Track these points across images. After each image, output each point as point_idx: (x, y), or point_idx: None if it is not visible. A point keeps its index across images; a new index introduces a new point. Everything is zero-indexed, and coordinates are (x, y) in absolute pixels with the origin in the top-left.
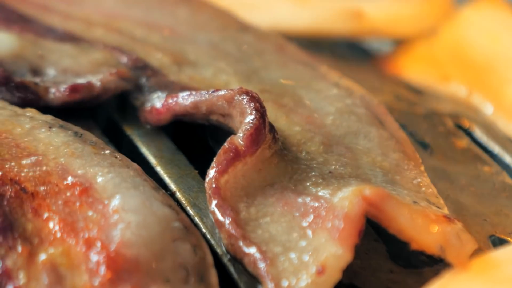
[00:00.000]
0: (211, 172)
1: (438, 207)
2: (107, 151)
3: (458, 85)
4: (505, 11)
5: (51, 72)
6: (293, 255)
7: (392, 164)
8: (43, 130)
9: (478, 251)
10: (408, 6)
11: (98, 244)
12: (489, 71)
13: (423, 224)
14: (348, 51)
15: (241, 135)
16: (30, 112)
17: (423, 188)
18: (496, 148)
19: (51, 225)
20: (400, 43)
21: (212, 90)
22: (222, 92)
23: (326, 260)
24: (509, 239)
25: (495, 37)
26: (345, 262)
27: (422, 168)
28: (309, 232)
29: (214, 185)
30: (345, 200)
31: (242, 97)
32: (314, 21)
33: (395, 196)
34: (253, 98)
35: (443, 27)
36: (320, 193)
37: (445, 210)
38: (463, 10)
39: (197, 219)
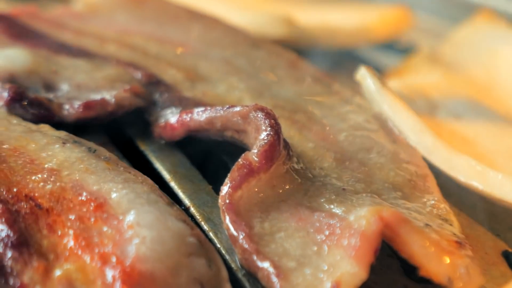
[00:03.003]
0: (225, 188)
1: (450, 225)
2: (121, 167)
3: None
4: (501, 25)
5: (64, 87)
6: (307, 271)
7: (405, 179)
8: (57, 146)
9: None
10: (348, 19)
11: (113, 259)
12: (494, 85)
13: (434, 254)
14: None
15: (255, 151)
16: (44, 128)
17: (436, 204)
18: None
19: (66, 240)
20: (404, 59)
21: (227, 106)
22: (237, 109)
23: (341, 277)
24: None
25: (495, 51)
26: (360, 280)
27: (435, 183)
28: (325, 249)
29: (227, 201)
30: (362, 219)
31: (257, 113)
32: (251, 25)
33: (410, 221)
34: (268, 115)
35: (442, 47)
36: (335, 210)
37: (457, 229)
38: (459, 29)
39: (211, 234)
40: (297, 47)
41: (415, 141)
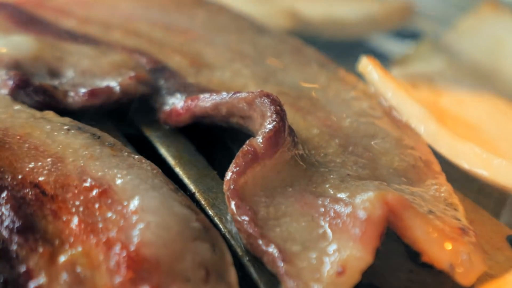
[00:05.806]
0: (230, 174)
1: (455, 210)
2: (125, 153)
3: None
4: (507, 15)
5: (69, 73)
6: (312, 255)
7: (410, 165)
8: (62, 132)
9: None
10: (353, 10)
11: (118, 244)
12: (498, 74)
13: (437, 240)
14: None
15: (260, 137)
16: (48, 114)
17: (440, 189)
18: None
19: (71, 226)
20: (409, 48)
21: (233, 92)
22: (243, 95)
23: (346, 261)
24: None
25: (501, 41)
26: (365, 264)
27: (439, 168)
28: (329, 233)
29: (232, 186)
30: (367, 203)
31: (263, 99)
32: (255, 16)
33: (414, 206)
34: (274, 101)
35: (447, 36)
36: (340, 195)
37: (461, 214)
38: (465, 18)
39: (216, 220)
40: (302, 38)
41: (419, 129)
